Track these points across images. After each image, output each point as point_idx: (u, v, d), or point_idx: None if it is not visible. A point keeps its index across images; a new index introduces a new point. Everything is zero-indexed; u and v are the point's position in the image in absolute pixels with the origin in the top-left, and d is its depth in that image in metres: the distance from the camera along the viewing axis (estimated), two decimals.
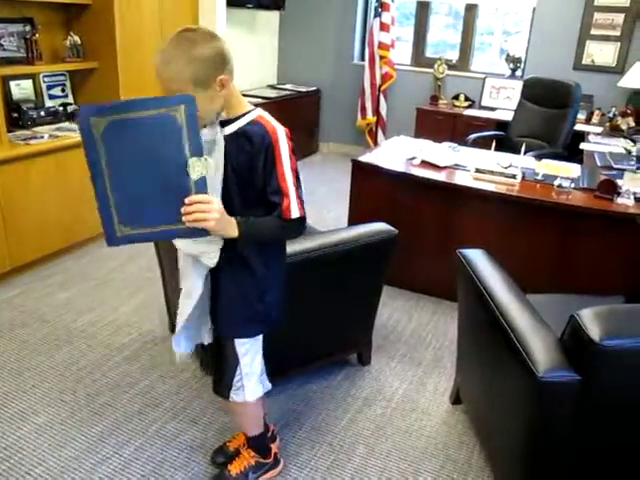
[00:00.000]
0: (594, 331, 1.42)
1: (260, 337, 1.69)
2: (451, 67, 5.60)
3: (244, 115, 1.49)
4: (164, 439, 2.13)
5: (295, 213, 1.48)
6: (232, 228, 1.41)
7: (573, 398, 1.49)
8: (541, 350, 1.54)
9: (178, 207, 1.32)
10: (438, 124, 5.19)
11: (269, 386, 1.80)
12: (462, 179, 3.07)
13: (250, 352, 1.67)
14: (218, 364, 1.73)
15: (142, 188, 1.33)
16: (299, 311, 2.20)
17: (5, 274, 3.17)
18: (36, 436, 2.10)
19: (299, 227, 1.53)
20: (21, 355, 2.57)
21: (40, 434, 2.11)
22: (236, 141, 1.47)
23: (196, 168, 1.30)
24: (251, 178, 1.47)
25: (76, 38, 3.71)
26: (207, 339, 1.72)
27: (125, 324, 2.84)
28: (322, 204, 4.48)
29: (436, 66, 5.51)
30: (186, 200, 1.30)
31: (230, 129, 1.48)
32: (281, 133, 1.47)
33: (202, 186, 1.32)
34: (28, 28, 3.50)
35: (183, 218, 1.32)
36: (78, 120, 1.33)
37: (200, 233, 1.36)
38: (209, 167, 1.34)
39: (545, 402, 1.53)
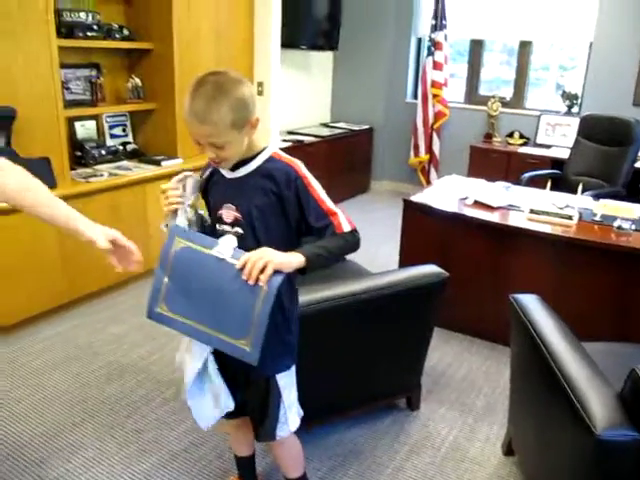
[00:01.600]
0: None
1: (294, 367, 1.67)
2: (505, 104, 5.54)
3: (259, 154, 1.51)
4: (209, 477, 2.12)
5: (347, 227, 1.50)
6: (295, 257, 1.41)
7: (633, 457, 1.39)
8: (599, 405, 1.46)
9: (225, 317, 1.41)
10: (492, 162, 5.12)
11: (301, 412, 1.75)
12: (516, 220, 3.00)
13: (288, 384, 1.66)
14: (261, 408, 1.70)
15: (196, 293, 1.47)
16: (347, 354, 2.18)
17: (61, 307, 3.28)
18: (84, 470, 2.13)
19: (354, 239, 1.54)
20: (73, 388, 2.63)
21: (88, 468, 2.14)
22: (255, 180, 1.49)
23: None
24: (276, 216, 1.49)
25: (137, 80, 3.88)
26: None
27: (174, 360, 2.86)
28: (373, 244, 4.45)
29: (490, 104, 5.46)
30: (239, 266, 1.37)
31: (247, 169, 1.50)
32: (301, 164, 1.51)
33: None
34: (94, 72, 3.69)
35: (250, 282, 1.36)
36: (168, 231, 1.51)
37: (238, 351, 1.42)
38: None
39: (603, 461, 1.44)
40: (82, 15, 3.42)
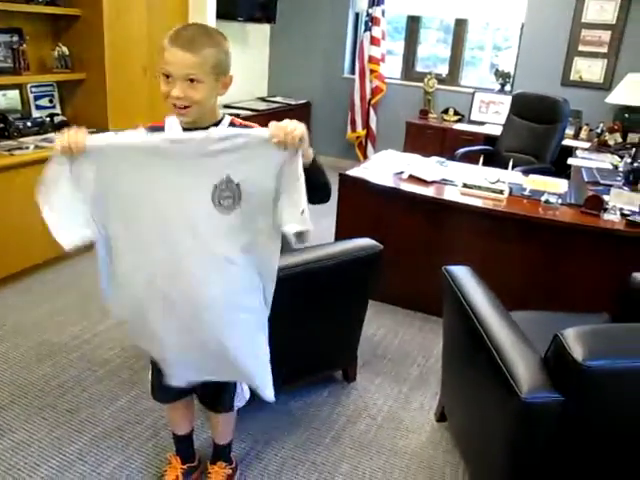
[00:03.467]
0: (577, 351, 1.41)
1: None
2: (441, 81, 5.62)
3: (221, 121, 1.51)
4: (144, 456, 2.09)
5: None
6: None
7: (556, 419, 1.47)
8: (524, 370, 1.52)
9: None
10: (427, 138, 5.21)
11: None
12: (449, 194, 3.07)
13: None
14: (218, 382, 1.69)
15: None
16: (282, 327, 2.18)
17: None
18: (12, 454, 2.05)
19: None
20: (2, 368, 2.53)
21: (16, 452, 2.07)
22: None
23: None
24: None
25: (64, 49, 3.70)
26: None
27: (108, 339, 2.80)
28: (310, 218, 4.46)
29: (426, 80, 5.53)
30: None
31: None
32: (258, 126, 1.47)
33: None
34: (16, 38, 3.48)
35: (279, 139, 1.32)
36: None
37: None
38: None
39: (527, 422, 1.52)
40: None
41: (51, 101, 3.89)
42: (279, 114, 5.64)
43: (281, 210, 1.37)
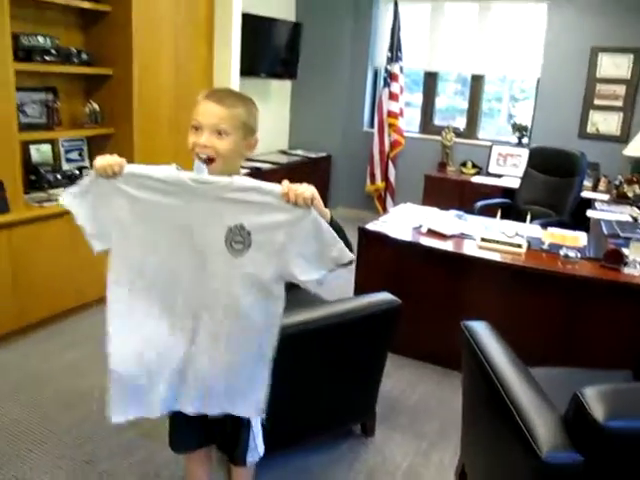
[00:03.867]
0: (598, 411, 1.40)
1: None
2: (459, 135, 5.73)
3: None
4: None
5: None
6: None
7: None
8: (544, 429, 1.51)
9: None
10: (446, 191, 5.27)
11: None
12: (468, 248, 3.09)
13: None
14: (232, 436, 1.72)
15: None
16: (301, 381, 2.19)
17: (13, 333, 3.20)
18: None
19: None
20: (22, 417, 2.56)
21: None
22: None
23: None
24: None
25: (95, 105, 3.86)
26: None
27: None
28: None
29: (444, 134, 5.63)
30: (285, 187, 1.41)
31: None
32: None
33: None
34: (50, 97, 3.65)
35: (289, 198, 1.39)
36: None
37: None
38: None
39: None
40: (40, 39, 3.39)
41: (80, 154, 4.04)
42: (300, 167, 5.77)
43: (292, 263, 1.43)
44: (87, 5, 3.59)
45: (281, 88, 6.22)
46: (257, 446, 1.73)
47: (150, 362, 1.54)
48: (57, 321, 3.45)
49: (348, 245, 1.52)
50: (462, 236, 3.26)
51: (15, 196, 3.19)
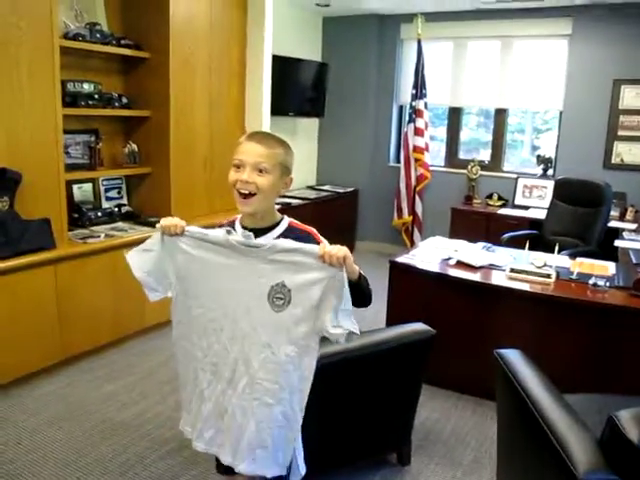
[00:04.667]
0: (633, 433, 1.44)
1: None
2: (484, 167, 5.81)
3: (279, 223, 1.71)
4: None
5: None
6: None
7: None
8: (580, 451, 1.56)
9: None
10: (473, 223, 5.33)
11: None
12: (497, 279, 3.15)
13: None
14: None
15: None
16: (337, 409, 2.25)
17: (56, 365, 3.32)
18: None
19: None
20: (66, 447, 2.65)
21: None
22: None
23: None
24: None
25: (134, 146, 4.05)
26: None
27: (168, 418, 2.91)
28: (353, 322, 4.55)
29: (469, 167, 5.73)
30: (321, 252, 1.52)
31: (269, 237, 1.65)
32: (316, 231, 1.73)
33: None
34: (93, 138, 3.86)
35: (325, 259, 1.51)
36: None
37: None
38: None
39: None
40: (85, 85, 3.61)
41: (119, 193, 4.22)
42: (328, 202, 5.90)
43: (325, 317, 1.54)
44: (128, 52, 3.81)
45: (309, 126, 6.40)
46: (299, 466, 1.78)
47: (194, 398, 1.72)
48: (98, 353, 3.57)
49: (369, 295, 1.69)
50: (491, 267, 3.31)
51: (60, 233, 3.35)
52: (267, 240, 1.59)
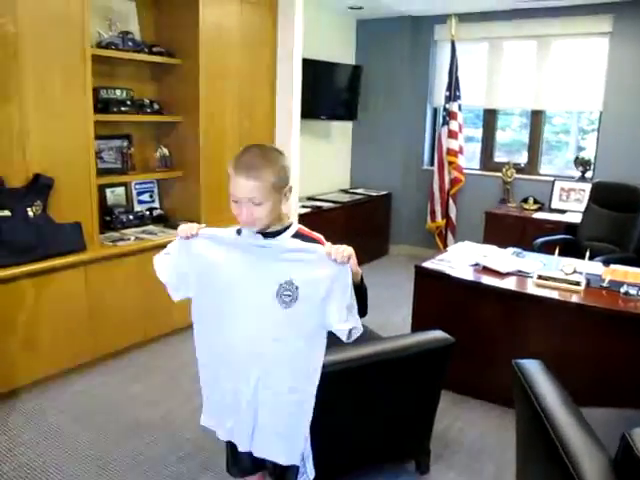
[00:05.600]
0: None
1: None
2: (520, 170, 5.69)
3: (287, 228, 1.74)
4: None
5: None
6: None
7: None
8: (593, 472, 1.51)
9: None
10: (507, 227, 5.22)
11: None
12: (524, 286, 3.08)
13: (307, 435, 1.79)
14: None
15: None
16: (355, 415, 2.25)
17: (86, 364, 3.42)
18: None
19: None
20: (92, 443, 2.73)
21: None
22: None
23: None
24: None
25: (165, 150, 4.13)
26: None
27: (191, 420, 2.95)
28: (388, 307, 4.54)
29: (504, 170, 5.61)
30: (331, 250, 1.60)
31: (279, 238, 1.71)
32: (323, 239, 1.76)
33: None
34: (125, 143, 3.95)
35: (332, 255, 1.59)
36: None
37: None
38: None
39: None
40: (117, 92, 3.71)
41: (151, 196, 4.31)
42: (361, 205, 5.89)
43: (331, 312, 1.63)
44: (159, 60, 3.89)
45: (342, 129, 6.40)
46: (307, 470, 1.80)
47: (214, 391, 1.83)
48: (126, 353, 3.65)
49: (365, 305, 1.76)
50: (519, 274, 3.24)
51: (91, 236, 3.45)
52: (275, 240, 1.68)
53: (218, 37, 4.04)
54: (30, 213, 3.11)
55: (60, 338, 3.23)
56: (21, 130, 3.04)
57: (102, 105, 3.59)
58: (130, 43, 3.71)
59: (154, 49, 3.88)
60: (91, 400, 3.13)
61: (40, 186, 3.13)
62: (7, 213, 3.02)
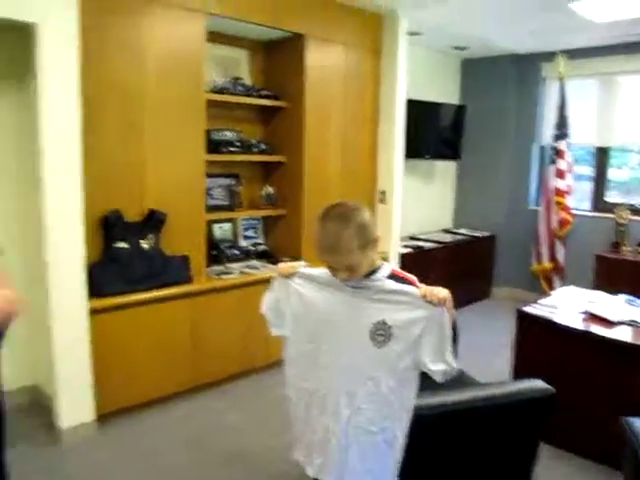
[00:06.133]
0: None
1: None
2: (635, 212, 5.34)
3: (379, 269, 1.74)
4: None
5: None
6: None
7: None
8: None
9: None
10: (620, 273, 4.89)
11: None
12: (637, 337, 2.87)
13: None
14: None
15: None
16: (443, 462, 2.18)
17: (187, 391, 3.57)
18: None
19: None
20: (185, 471, 2.83)
21: None
22: None
23: None
24: None
25: (270, 189, 4.31)
26: None
27: (284, 451, 2.97)
28: (488, 352, 4.35)
29: (618, 212, 5.30)
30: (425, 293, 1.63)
31: (373, 279, 1.73)
32: (416, 280, 1.77)
33: None
34: (233, 182, 4.17)
35: (427, 297, 1.62)
36: None
37: None
38: None
39: None
40: (227, 133, 3.95)
41: (255, 232, 4.50)
42: (464, 246, 5.78)
43: (424, 353, 1.64)
44: (267, 103, 4.10)
45: (445, 168, 6.35)
46: None
47: (304, 428, 1.87)
48: (225, 383, 3.77)
49: (455, 345, 1.78)
50: (632, 323, 3.03)
51: (198, 268, 3.64)
52: (370, 281, 1.71)
53: (322, 80, 4.20)
54: (145, 245, 3.35)
55: (165, 364, 3.42)
56: (140, 169, 3.31)
57: (213, 145, 3.82)
58: (240, 88, 3.95)
59: (262, 93, 4.09)
60: (189, 426, 3.26)
61: (154, 221, 3.37)
62: (125, 245, 3.27)
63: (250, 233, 4.47)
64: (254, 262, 4.19)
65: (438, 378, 1.64)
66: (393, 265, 1.85)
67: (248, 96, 3.98)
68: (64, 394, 3.04)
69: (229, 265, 4.04)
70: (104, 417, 3.20)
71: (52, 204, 2.89)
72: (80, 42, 2.89)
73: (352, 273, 1.67)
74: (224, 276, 3.78)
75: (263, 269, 4.00)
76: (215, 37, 3.78)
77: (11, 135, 3.25)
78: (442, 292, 1.62)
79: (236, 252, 4.19)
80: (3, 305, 1.63)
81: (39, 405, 3.37)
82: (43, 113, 2.82)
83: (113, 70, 3.13)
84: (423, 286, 1.68)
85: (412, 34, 4.87)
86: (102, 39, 3.06)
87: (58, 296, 2.95)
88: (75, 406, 3.08)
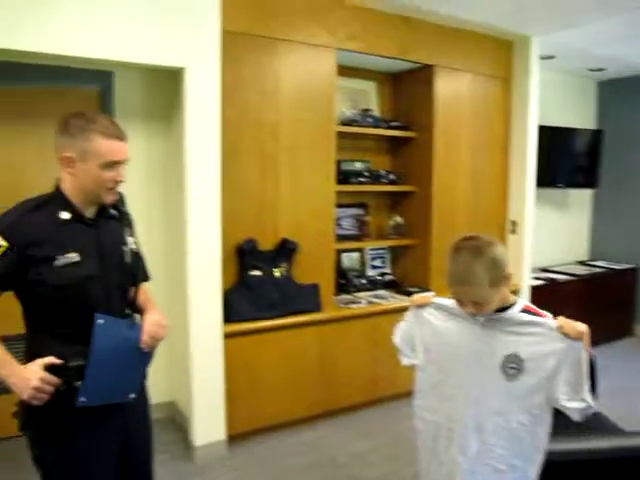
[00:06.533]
0: None
1: None
2: None
3: (512, 306, 1.70)
4: None
5: None
6: None
7: None
8: None
9: None
10: None
11: None
12: None
13: None
14: None
15: None
16: None
17: (315, 417, 3.62)
18: None
19: None
20: None
21: None
22: None
23: None
24: None
25: (399, 219, 4.31)
26: None
27: None
28: (629, 396, 3.95)
29: None
30: None
31: (507, 312, 1.69)
32: (550, 317, 1.68)
33: None
34: (361, 212, 4.23)
35: (564, 330, 1.56)
36: None
37: None
38: None
39: None
40: (357, 164, 4.03)
41: (383, 262, 4.50)
42: (600, 279, 5.40)
43: (558, 388, 1.56)
44: (396, 134, 4.14)
45: (580, 197, 6.01)
46: None
47: (431, 461, 1.85)
48: (352, 411, 3.77)
49: (595, 385, 1.63)
50: None
51: (327, 297, 3.70)
52: (503, 313, 1.67)
53: (451, 109, 4.16)
54: (277, 273, 3.47)
55: (293, 389, 3.50)
56: (275, 200, 3.46)
57: (342, 176, 3.90)
58: (369, 119, 4.02)
59: (391, 124, 4.14)
60: (316, 451, 3.28)
61: (286, 249, 3.48)
62: (259, 273, 3.41)
63: (377, 263, 4.49)
64: (381, 292, 4.19)
65: (575, 416, 1.55)
66: (526, 301, 1.78)
67: (377, 127, 4.04)
68: (199, 413, 3.20)
69: (357, 294, 4.07)
70: (234, 437, 3.32)
71: (193, 237, 3.10)
72: (220, 81, 3.10)
73: (479, 307, 1.64)
74: (352, 305, 3.81)
75: (391, 299, 3.98)
76: (344, 70, 3.89)
77: (158, 171, 3.55)
78: (580, 325, 1.55)
79: (363, 281, 4.21)
80: (157, 330, 1.77)
81: (173, 420, 3.57)
82: (188, 154, 3.04)
83: (249, 106, 3.32)
84: (561, 318, 1.61)
85: (544, 58, 4.71)
86: (238, 77, 3.26)
87: (197, 320, 3.14)
88: (208, 425, 3.23)
